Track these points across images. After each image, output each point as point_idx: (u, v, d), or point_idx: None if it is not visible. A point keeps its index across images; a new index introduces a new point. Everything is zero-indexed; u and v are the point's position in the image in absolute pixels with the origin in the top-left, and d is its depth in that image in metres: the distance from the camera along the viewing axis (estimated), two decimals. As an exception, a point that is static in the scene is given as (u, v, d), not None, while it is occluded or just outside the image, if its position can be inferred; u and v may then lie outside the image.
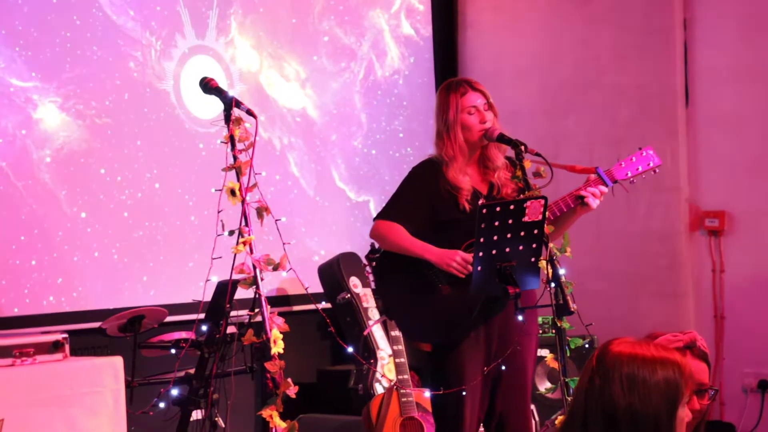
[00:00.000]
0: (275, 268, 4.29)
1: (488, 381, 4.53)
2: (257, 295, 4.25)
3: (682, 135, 7.00)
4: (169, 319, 5.51)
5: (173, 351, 5.26)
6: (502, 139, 4.48)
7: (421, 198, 4.59)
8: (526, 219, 4.15)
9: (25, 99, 5.57)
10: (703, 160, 7.01)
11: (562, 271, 4.21)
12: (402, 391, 5.79)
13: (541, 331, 6.30)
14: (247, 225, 4.25)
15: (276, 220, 4.26)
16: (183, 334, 5.28)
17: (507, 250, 4.15)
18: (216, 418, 5.12)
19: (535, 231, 4.17)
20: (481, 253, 4.14)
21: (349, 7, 7.22)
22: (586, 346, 5.51)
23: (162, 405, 5.25)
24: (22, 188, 5.53)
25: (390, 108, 7.44)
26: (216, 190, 4.30)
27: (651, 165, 4.65)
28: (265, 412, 4.16)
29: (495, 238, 4.13)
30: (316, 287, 6.55)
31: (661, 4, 7.03)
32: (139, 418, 5.37)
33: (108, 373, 4.61)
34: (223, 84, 4.61)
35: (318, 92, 7.01)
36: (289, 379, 4.18)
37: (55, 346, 4.55)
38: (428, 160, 4.68)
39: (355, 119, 7.23)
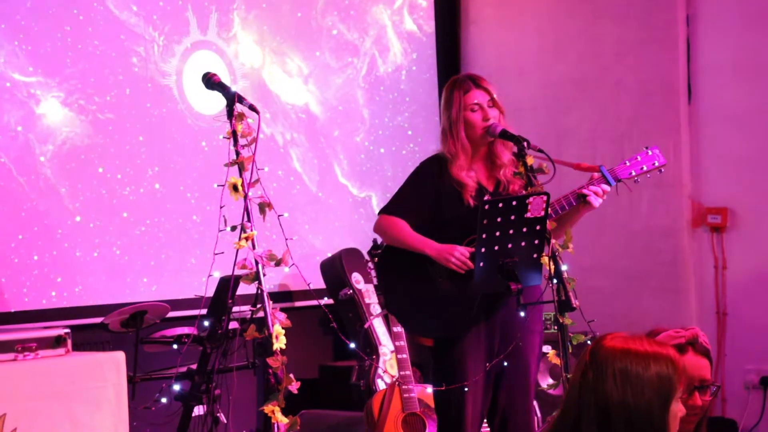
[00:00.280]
0: (277, 264, 4.29)
1: (491, 377, 4.53)
2: (259, 291, 4.25)
3: (685, 131, 6.99)
4: (171, 314, 5.51)
5: (175, 346, 5.27)
6: (505, 135, 4.48)
7: (425, 194, 4.60)
8: (528, 215, 4.15)
9: (27, 94, 5.57)
10: (705, 156, 7.00)
11: (564, 268, 4.21)
12: (404, 387, 5.80)
13: (544, 327, 6.31)
14: (249, 220, 4.25)
15: (278, 216, 4.26)
16: (185, 330, 5.29)
17: (509, 246, 4.16)
18: (218, 414, 5.12)
19: (538, 227, 4.18)
20: (483, 249, 4.14)
21: (352, 2, 7.21)
22: (588, 342, 5.51)
23: (164, 400, 5.25)
24: (25, 183, 5.53)
25: (393, 104, 7.44)
26: (218, 186, 4.30)
27: (656, 164, 4.64)
28: (267, 408, 4.17)
29: (497, 234, 4.13)
30: (319, 283, 6.55)
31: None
32: (141, 413, 5.37)
33: (110, 368, 4.61)
34: (225, 80, 4.61)
35: (321, 88, 7.01)
36: (291, 375, 4.18)
37: (58, 341, 4.55)
38: (434, 156, 4.69)
39: (358, 115, 7.22)
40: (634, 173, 4.60)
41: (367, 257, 6.36)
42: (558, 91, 7.41)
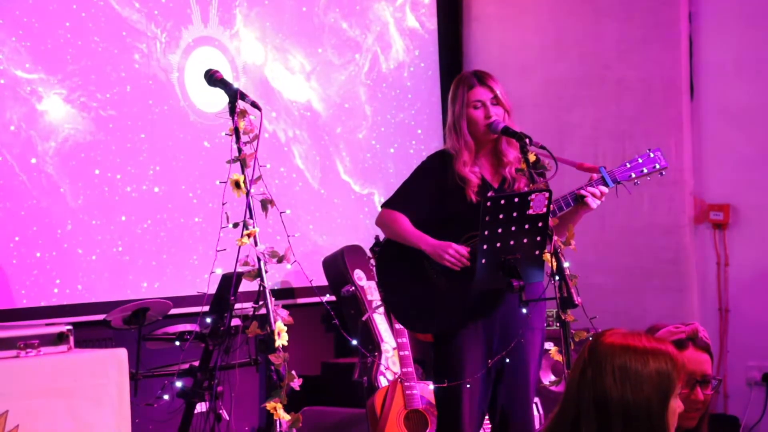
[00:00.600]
0: (280, 261, 4.30)
1: (491, 374, 4.54)
2: (261, 288, 4.25)
3: (687, 128, 6.99)
4: (173, 311, 5.52)
5: (177, 343, 5.27)
6: (507, 132, 4.49)
7: (429, 189, 4.61)
8: (530, 212, 4.15)
9: (29, 91, 5.57)
10: (707, 154, 7.00)
11: (566, 264, 4.21)
12: (406, 383, 5.80)
13: (546, 324, 6.31)
14: (251, 217, 4.26)
15: (280, 213, 4.27)
16: (187, 327, 5.29)
17: (511, 242, 4.17)
18: (220, 411, 5.12)
19: (540, 224, 4.18)
20: (485, 246, 4.14)
21: (354, -1, 7.23)
22: (590, 339, 5.51)
23: (166, 397, 5.26)
24: (27, 180, 5.53)
25: (395, 101, 7.44)
26: (220, 183, 4.31)
27: (657, 167, 4.63)
28: (270, 405, 4.17)
29: (499, 230, 4.14)
30: (321, 280, 6.56)
31: (667, -3, 7.03)
32: (143, 410, 5.38)
33: (112, 365, 4.61)
34: (228, 76, 4.61)
35: (323, 85, 7.01)
36: (293, 372, 4.19)
37: (60, 338, 4.54)
38: (440, 151, 4.72)
39: (360, 112, 7.22)
40: (633, 175, 4.59)
41: (369, 254, 6.36)
42: (560, 88, 7.41)
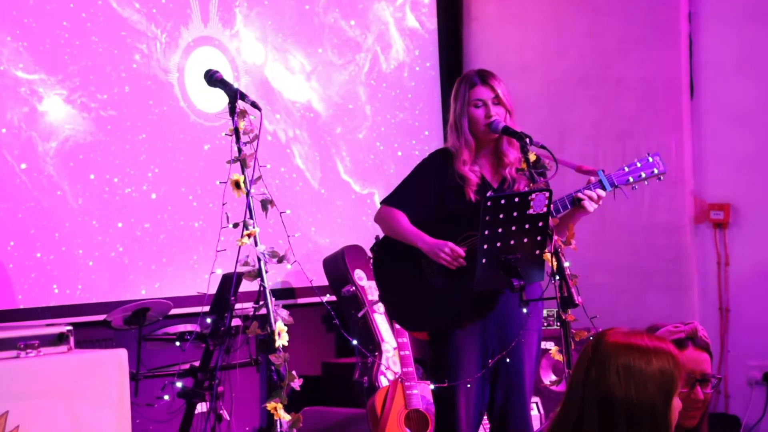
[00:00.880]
0: (280, 261, 4.30)
1: (487, 375, 4.55)
2: (262, 288, 4.25)
3: (687, 127, 6.99)
4: (174, 311, 5.52)
5: (178, 343, 5.28)
6: (507, 131, 4.49)
7: (428, 187, 4.62)
8: (530, 211, 4.15)
9: (30, 91, 5.57)
10: (707, 153, 7.00)
11: (566, 264, 4.21)
12: (407, 383, 5.80)
13: (546, 324, 6.30)
14: (251, 217, 4.26)
15: (281, 213, 4.27)
16: (188, 327, 5.30)
17: (512, 242, 4.16)
18: (221, 411, 5.12)
19: (540, 223, 4.18)
20: (485, 246, 4.14)
21: (354, -1, 7.23)
22: (592, 338, 5.51)
23: (167, 397, 5.26)
24: (27, 181, 5.53)
25: (395, 101, 7.44)
26: (221, 183, 4.31)
27: (655, 172, 4.61)
28: (270, 405, 4.17)
29: (500, 230, 4.13)
30: (321, 280, 6.56)
31: (666, -4, 7.03)
32: (144, 411, 5.38)
33: (112, 365, 4.61)
34: (228, 76, 4.61)
35: (323, 85, 7.01)
36: (294, 372, 4.19)
37: (60, 339, 4.55)
38: (441, 149, 4.73)
39: (360, 112, 7.22)
40: (631, 180, 4.57)
41: (369, 254, 6.36)
42: (560, 88, 7.41)
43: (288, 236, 4.23)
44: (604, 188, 4.50)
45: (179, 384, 5.15)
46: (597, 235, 6.94)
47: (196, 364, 5.25)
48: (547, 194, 4.17)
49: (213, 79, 4.48)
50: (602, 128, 7.21)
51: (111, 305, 5.44)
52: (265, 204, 4.31)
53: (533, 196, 4.15)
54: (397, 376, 5.91)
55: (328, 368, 6.75)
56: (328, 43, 7.06)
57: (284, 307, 4.27)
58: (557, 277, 4.16)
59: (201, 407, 5.30)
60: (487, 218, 4.12)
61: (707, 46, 7.00)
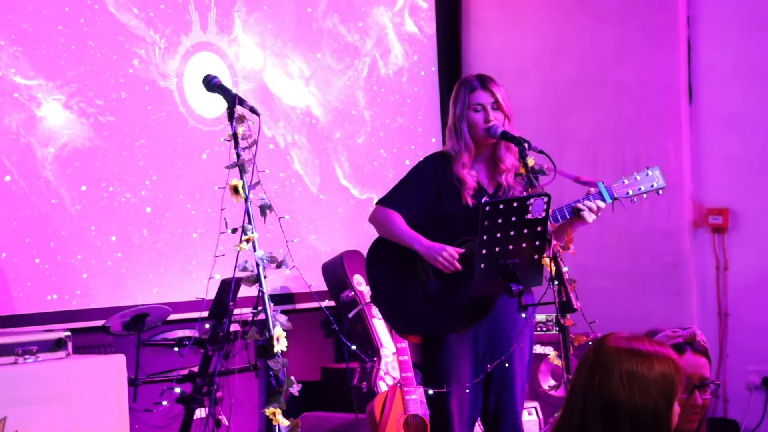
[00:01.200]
0: (279, 266, 4.29)
1: (480, 380, 4.54)
2: (260, 293, 4.25)
3: (686, 132, 6.99)
4: (172, 317, 5.52)
5: (177, 349, 5.28)
6: (506, 136, 4.49)
7: (424, 189, 4.61)
8: (529, 216, 4.15)
9: (28, 97, 5.57)
10: (706, 157, 7.00)
11: (565, 269, 4.20)
12: (405, 388, 5.80)
13: (545, 329, 6.30)
14: (250, 222, 4.25)
15: (279, 218, 4.26)
16: (187, 332, 5.30)
17: (510, 247, 4.16)
18: (219, 416, 5.12)
19: (539, 228, 4.18)
20: (484, 251, 4.14)
21: (353, 4, 7.21)
22: (591, 343, 5.51)
23: (165, 403, 5.26)
24: (26, 186, 5.53)
25: (394, 105, 7.44)
26: (219, 188, 4.30)
27: (655, 186, 4.60)
28: (269, 410, 4.17)
29: (498, 235, 4.13)
30: (320, 285, 6.55)
31: (665, 1, 7.02)
32: (142, 416, 5.38)
33: (111, 371, 4.62)
34: (227, 82, 4.60)
35: (322, 90, 7.01)
36: (293, 377, 4.18)
37: (58, 345, 4.55)
38: (438, 152, 4.73)
39: (359, 117, 7.22)
40: (631, 192, 4.56)
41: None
42: (559, 92, 7.41)
43: (287, 241, 4.22)
44: (604, 200, 4.49)
45: (178, 389, 5.15)
46: (596, 239, 6.93)
47: (195, 369, 5.25)
48: (546, 199, 4.17)
49: (211, 84, 4.47)
50: (601, 132, 7.21)
51: (109, 311, 5.44)
52: (264, 209, 4.30)
53: (532, 201, 4.15)
54: (395, 382, 5.91)
55: (327, 373, 6.74)
56: (327, 48, 7.06)
57: (283, 312, 4.26)
58: (556, 282, 4.16)
59: (200, 413, 5.30)
60: (486, 223, 4.12)
61: (706, 50, 7.00)
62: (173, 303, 5.64)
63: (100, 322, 5.37)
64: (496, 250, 4.15)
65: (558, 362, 4.34)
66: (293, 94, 6.84)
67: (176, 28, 6.22)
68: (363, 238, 6.86)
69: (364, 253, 6.49)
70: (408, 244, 4.53)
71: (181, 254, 6.15)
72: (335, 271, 6.58)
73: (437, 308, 4.53)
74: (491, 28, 7.76)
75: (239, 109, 4.29)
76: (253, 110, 4.30)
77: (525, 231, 4.16)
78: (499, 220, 4.12)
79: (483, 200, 4.43)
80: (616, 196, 4.52)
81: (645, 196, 4.60)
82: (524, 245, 4.18)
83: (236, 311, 4.87)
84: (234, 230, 4.25)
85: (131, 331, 5.27)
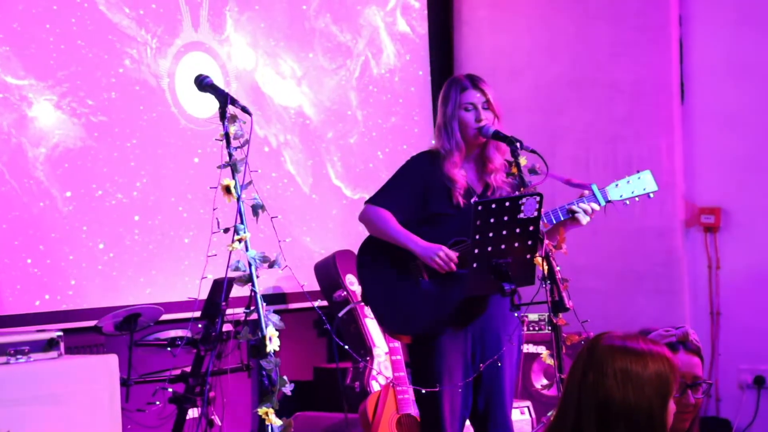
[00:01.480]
0: (271, 266, 4.29)
1: (469, 381, 4.54)
2: (253, 293, 4.24)
3: (678, 131, 7.00)
4: (165, 317, 5.51)
5: (169, 349, 5.27)
6: (497, 136, 4.48)
7: (414, 187, 4.60)
8: (521, 216, 4.15)
9: (19, 97, 5.56)
10: (698, 156, 7.01)
11: (557, 268, 4.20)
12: (398, 388, 5.80)
13: (537, 328, 6.30)
14: (242, 222, 4.25)
15: (272, 218, 4.26)
16: (179, 332, 5.29)
17: (502, 247, 4.15)
18: (212, 416, 5.12)
19: (531, 228, 4.17)
20: (476, 250, 4.14)
21: (345, 4, 7.21)
22: (584, 342, 5.52)
23: (158, 403, 5.25)
24: (17, 187, 5.52)
25: (386, 105, 7.44)
26: (211, 188, 4.30)
27: (646, 190, 4.62)
28: (261, 410, 4.16)
29: (490, 234, 4.13)
30: (313, 285, 6.55)
31: (657, 0, 7.03)
32: (135, 416, 5.37)
33: (103, 371, 4.61)
34: (219, 81, 4.59)
35: (314, 90, 7.00)
36: (285, 377, 4.18)
37: (50, 345, 4.55)
38: (427, 151, 4.71)
39: (351, 116, 7.22)
40: (623, 196, 4.58)
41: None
42: (551, 91, 7.42)
43: (279, 241, 4.21)
44: (598, 202, 4.50)
45: (170, 389, 5.15)
46: (588, 238, 6.93)
47: (188, 369, 5.24)
48: (538, 198, 4.16)
49: (203, 84, 4.46)
50: (593, 131, 7.22)
51: (102, 311, 5.43)
52: (256, 209, 4.30)
53: (524, 200, 4.14)
54: (388, 381, 5.91)
55: (319, 373, 6.74)
56: (319, 48, 7.05)
57: (275, 312, 4.26)
58: (548, 281, 4.16)
59: (192, 413, 5.30)
60: (478, 222, 4.11)
61: (698, 49, 7.01)
62: (165, 303, 5.64)
63: (92, 323, 5.36)
64: (488, 249, 4.14)
65: (550, 361, 4.34)
66: (285, 93, 6.84)
67: (168, 28, 6.21)
68: (355, 237, 6.84)
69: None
70: (402, 244, 4.52)
71: (173, 254, 6.14)
72: (328, 271, 6.58)
73: (428, 309, 4.52)
74: (483, 28, 7.76)
75: (231, 109, 4.29)
76: (245, 110, 4.29)
77: (517, 230, 4.16)
78: (492, 220, 4.12)
79: (472, 200, 4.42)
80: (609, 199, 4.53)
81: (637, 199, 4.61)
82: (516, 245, 4.17)
83: (229, 311, 4.86)
84: (226, 230, 4.25)
85: (123, 332, 5.27)
